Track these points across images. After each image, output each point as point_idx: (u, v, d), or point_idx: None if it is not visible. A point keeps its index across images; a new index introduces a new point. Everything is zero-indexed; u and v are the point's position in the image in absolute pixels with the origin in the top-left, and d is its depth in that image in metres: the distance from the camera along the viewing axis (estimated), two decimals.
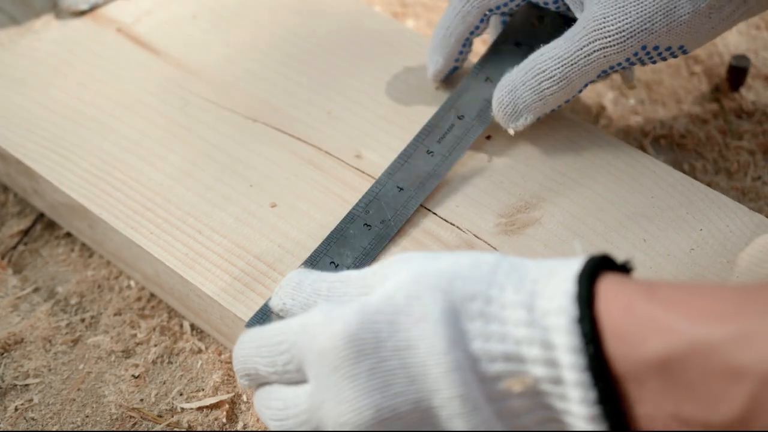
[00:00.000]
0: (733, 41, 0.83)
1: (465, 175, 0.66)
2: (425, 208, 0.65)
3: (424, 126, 0.68)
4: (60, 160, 0.69)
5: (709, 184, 0.73)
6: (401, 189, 0.65)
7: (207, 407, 0.63)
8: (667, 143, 0.76)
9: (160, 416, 0.63)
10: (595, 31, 0.61)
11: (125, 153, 0.69)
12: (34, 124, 0.71)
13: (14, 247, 0.72)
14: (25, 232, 0.73)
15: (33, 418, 0.63)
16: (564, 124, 0.69)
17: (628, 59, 0.62)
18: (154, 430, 0.62)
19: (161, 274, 0.65)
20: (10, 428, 0.63)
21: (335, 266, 0.62)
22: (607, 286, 0.45)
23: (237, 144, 0.69)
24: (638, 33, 0.60)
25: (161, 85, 0.74)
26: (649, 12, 0.60)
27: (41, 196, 0.71)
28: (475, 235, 0.63)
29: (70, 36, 0.77)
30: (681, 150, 0.76)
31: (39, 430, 0.62)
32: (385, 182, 0.65)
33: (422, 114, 0.70)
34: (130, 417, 0.63)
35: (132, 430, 0.62)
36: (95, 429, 0.62)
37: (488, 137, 0.68)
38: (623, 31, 0.60)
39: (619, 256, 0.48)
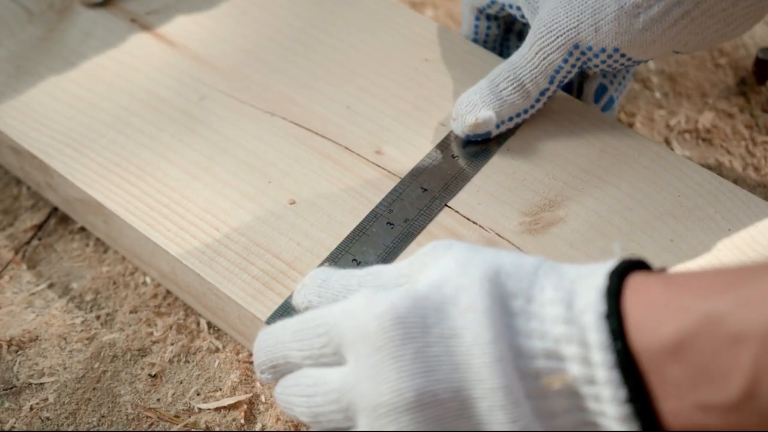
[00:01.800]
0: (760, 33, 0.81)
1: (487, 172, 0.65)
2: (447, 205, 0.64)
3: (450, 131, 0.67)
4: (74, 154, 0.68)
5: (735, 181, 0.72)
6: (425, 190, 0.64)
7: (225, 408, 0.62)
8: (693, 138, 0.75)
9: (177, 416, 0.62)
10: (535, 33, 0.64)
11: (140, 147, 0.68)
12: (48, 117, 0.70)
13: (28, 242, 0.71)
14: (39, 227, 0.72)
15: (48, 418, 0.62)
16: (588, 119, 0.68)
17: (566, 60, 0.63)
18: (171, 430, 0.61)
19: (178, 272, 0.64)
20: (25, 428, 0.62)
21: (357, 264, 0.61)
22: (634, 282, 0.45)
23: (255, 139, 0.68)
24: (567, 31, 0.62)
25: (177, 77, 0.72)
26: (577, 11, 0.62)
27: (55, 191, 0.70)
28: (497, 234, 0.62)
29: (85, 27, 0.76)
30: (707, 145, 0.75)
31: (55, 430, 0.62)
32: (409, 183, 0.64)
33: (443, 109, 0.69)
34: (147, 417, 0.62)
35: (149, 430, 0.61)
36: (111, 429, 0.62)
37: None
38: (553, 30, 0.63)
39: (646, 257, 0.48)
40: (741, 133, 0.75)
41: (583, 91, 0.69)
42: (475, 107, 0.64)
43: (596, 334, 0.44)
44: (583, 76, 0.70)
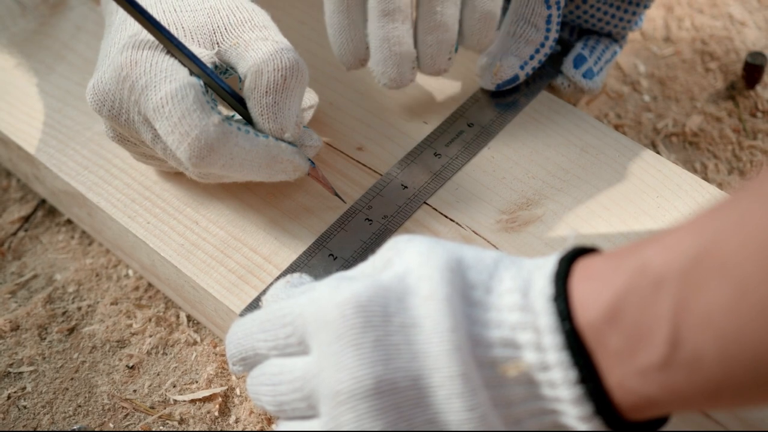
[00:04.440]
0: (751, 37, 0.81)
1: (466, 169, 0.65)
2: (425, 203, 0.64)
3: (434, 129, 0.67)
4: (60, 146, 0.69)
5: (720, 185, 0.71)
6: (405, 187, 0.64)
7: (200, 400, 0.62)
8: (680, 141, 0.75)
9: (153, 408, 0.62)
10: None
11: None
12: (35, 109, 0.71)
13: (15, 234, 0.72)
14: (26, 219, 0.73)
15: (25, 407, 0.63)
16: (570, 119, 0.67)
17: None
18: (145, 422, 0.62)
19: (157, 265, 0.64)
20: (1, 416, 0.62)
21: (333, 258, 0.61)
22: (581, 264, 0.46)
23: None
24: None
25: None
26: None
27: (42, 183, 0.71)
28: (474, 232, 0.62)
29: (77, 21, 0.76)
30: (693, 148, 0.74)
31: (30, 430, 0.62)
32: (390, 180, 0.64)
33: (425, 107, 0.69)
34: (122, 408, 0.62)
35: (123, 429, 0.62)
36: (86, 419, 0.62)
37: None
38: None
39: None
40: (728, 137, 0.74)
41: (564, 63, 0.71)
42: (495, 57, 0.68)
43: (546, 317, 0.44)
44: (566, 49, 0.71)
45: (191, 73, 0.58)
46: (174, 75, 0.57)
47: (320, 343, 0.48)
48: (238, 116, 0.60)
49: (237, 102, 0.60)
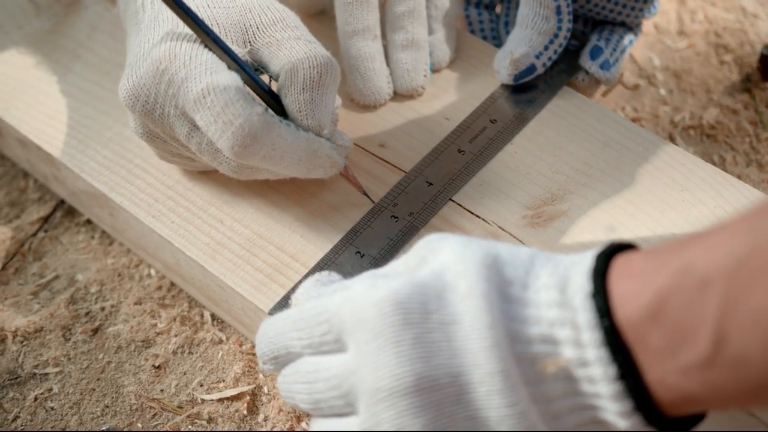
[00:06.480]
0: (764, 29, 0.81)
1: (491, 166, 0.65)
2: (451, 199, 0.64)
3: (457, 126, 0.67)
4: (80, 146, 0.69)
5: (739, 177, 0.72)
6: (430, 184, 0.64)
7: (228, 399, 0.63)
8: (697, 134, 0.75)
9: (180, 407, 0.62)
10: None
11: None
12: (54, 109, 0.71)
13: (34, 234, 0.72)
14: (45, 219, 0.72)
15: (52, 408, 0.63)
16: (592, 114, 0.68)
17: None
18: (174, 421, 0.62)
19: (182, 264, 0.64)
20: (29, 417, 0.62)
21: (360, 256, 0.61)
22: (620, 261, 0.46)
23: None
24: None
25: None
26: None
27: (62, 183, 0.71)
28: (500, 227, 0.62)
29: (92, 21, 0.76)
30: (711, 141, 0.75)
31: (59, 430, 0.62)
32: (415, 177, 0.64)
33: (447, 104, 0.69)
34: (150, 408, 0.62)
35: (151, 429, 0.62)
36: (114, 419, 0.62)
37: None
38: None
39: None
40: (745, 130, 0.75)
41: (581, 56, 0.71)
42: (509, 51, 0.68)
43: (584, 314, 0.44)
44: (582, 42, 0.72)
45: (228, 68, 0.58)
46: (215, 67, 0.57)
47: (358, 341, 0.48)
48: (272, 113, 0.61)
49: (273, 99, 0.60)
